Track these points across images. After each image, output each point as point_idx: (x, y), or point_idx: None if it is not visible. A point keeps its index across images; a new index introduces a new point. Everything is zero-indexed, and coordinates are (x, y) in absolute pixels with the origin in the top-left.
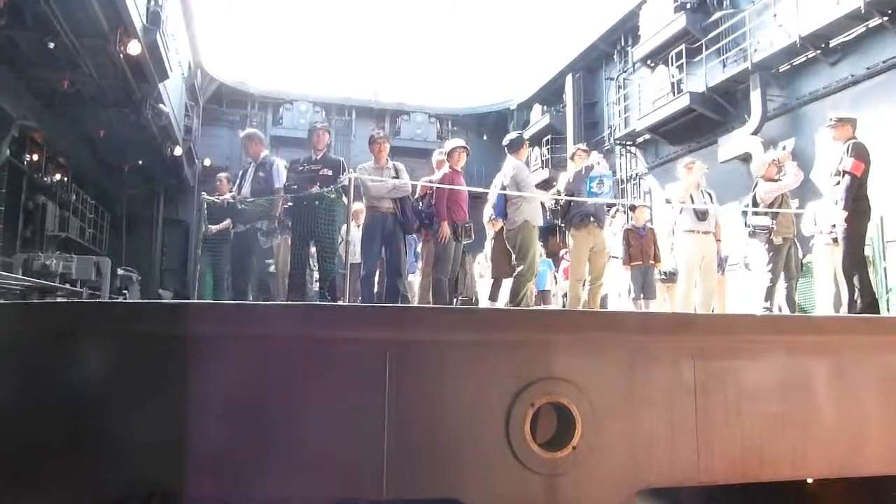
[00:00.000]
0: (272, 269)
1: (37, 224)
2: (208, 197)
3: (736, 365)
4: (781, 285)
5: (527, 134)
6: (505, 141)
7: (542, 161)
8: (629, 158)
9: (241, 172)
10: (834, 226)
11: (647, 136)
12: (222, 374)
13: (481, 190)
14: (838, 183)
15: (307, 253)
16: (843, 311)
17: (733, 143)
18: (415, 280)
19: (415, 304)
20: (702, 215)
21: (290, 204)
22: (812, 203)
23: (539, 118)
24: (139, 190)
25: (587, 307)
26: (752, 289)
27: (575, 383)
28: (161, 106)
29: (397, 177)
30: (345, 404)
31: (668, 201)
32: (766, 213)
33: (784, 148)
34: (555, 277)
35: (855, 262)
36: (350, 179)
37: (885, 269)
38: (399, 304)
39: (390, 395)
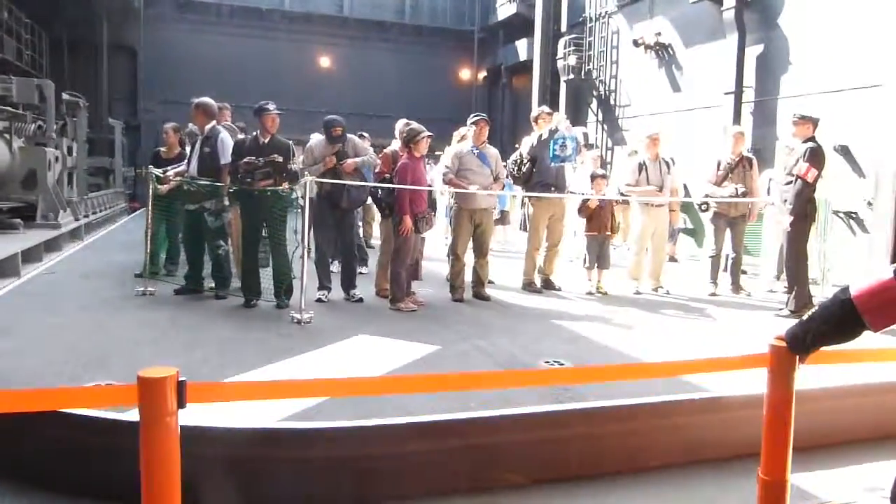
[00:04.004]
0: (221, 251)
1: None
2: (154, 170)
3: None
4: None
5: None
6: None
7: None
8: None
9: (190, 146)
10: (785, 200)
11: None
12: None
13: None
14: (789, 183)
15: (256, 249)
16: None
17: None
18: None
19: (372, 286)
20: (658, 189)
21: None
22: (767, 171)
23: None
24: (79, 10)
25: (543, 273)
26: None
27: None
28: None
29: (346, 151)
30: None
31: (634, 153)
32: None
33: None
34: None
35: (796, 259)
36: (307, 185)
37: (823, 253)
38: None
39: None
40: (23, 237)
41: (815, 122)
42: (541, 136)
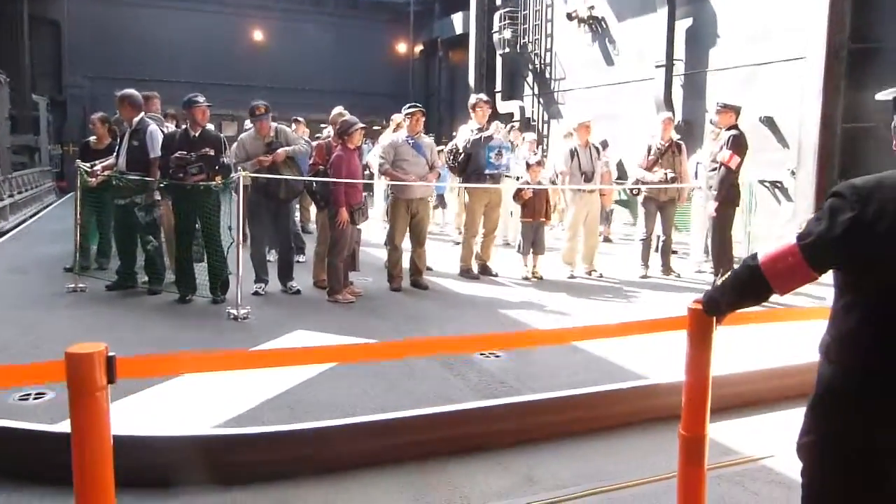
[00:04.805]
0: (150, 247)
1: None
2: (83, 165)
3: None
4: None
5: None
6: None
7: None
8: None
9: (119, 139)
10: (711, 187)
11: None
12: None
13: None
14: (714, 170)
15: (190, 244)
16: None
17: None
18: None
19: (309, 277)
20: (589, 175)
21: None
22: (695, 156)
23: None
24: None
25: (480, 259)
26: None
27: None
28: None
29: (279, 142)
30: None
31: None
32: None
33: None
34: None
35: (720, 242)
36: (240, 179)
37: (749, 233)
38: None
39: None
40: None
41: (737, 111)
42: (478, 139)
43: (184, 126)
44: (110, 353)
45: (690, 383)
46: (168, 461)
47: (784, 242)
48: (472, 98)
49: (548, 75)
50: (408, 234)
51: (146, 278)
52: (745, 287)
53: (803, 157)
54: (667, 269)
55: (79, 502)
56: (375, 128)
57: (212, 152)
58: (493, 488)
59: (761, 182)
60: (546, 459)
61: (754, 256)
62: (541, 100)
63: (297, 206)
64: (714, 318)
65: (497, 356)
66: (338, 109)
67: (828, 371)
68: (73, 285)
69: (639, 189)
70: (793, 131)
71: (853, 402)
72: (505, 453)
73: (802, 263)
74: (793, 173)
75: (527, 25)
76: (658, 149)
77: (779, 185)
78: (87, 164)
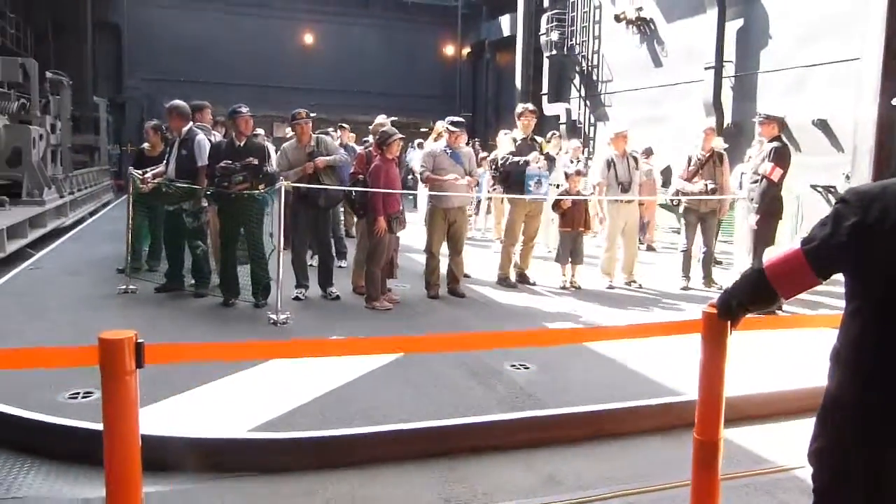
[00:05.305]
0: (199, 251)
1: None
2: (135, 173)
3: None
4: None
5: None
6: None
7: None
8: None
9: (168, 148)
10: (752, 199)
11: None
12: None
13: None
14: (756, 182)
15: (234, 249)
16: None
17: None
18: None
19: (349, 282)
20: (626, 186)
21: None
22: (739, 166)
23: None
24: None
25: (518, 267)
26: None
27: None
28: None
29: (320, 151)
30: None
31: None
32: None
33: None
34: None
35: (761, 255)
36: (281, 189)
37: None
38: None
39: None
40: (8, 214)
41: (780, 122)
42: (517, 159)
43: (231, 136)
44: (139, 340)
45: (704, 387)
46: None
47: (789, 247)
48: (519, 107)
49: (595, 77)
50: (446, 241)
51: (193, 281)
52: (752, 291)
53: (858, 161)
54: (708, 280)
55: (109, 479)
56: (423, 129)
57: (255, 161)
58: (516, 487)
59: (813, 187)
60: (569, 459)
61: (761, 261)
62: (587, 102)
63: (342, 209)
64: (728, 322)
65: (527, 367)
66: (380, 119)
67: (835, 377)
68: (124, 287)
69: (679, 200)
70: (847, 134)
71: (856, 408)
72: (528, 453)
73: (806, 268)
74: (847, 178)
75: (574, 27)
76: (699, 159)
77: (832, 189)
78: (139, 172)
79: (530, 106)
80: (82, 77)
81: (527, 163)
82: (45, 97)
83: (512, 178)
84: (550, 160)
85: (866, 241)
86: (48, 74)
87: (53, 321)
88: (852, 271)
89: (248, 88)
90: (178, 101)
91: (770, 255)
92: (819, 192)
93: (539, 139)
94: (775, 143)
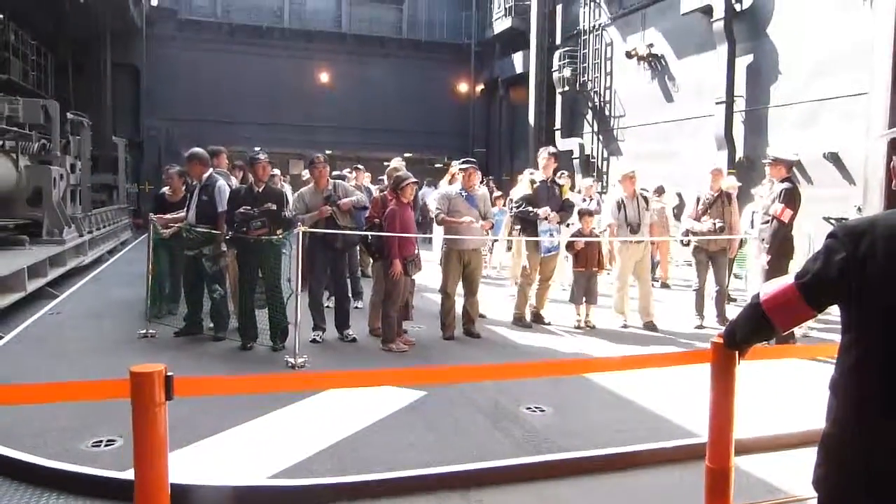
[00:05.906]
0: (216, 295)
1: None
2: (154, 217)
3: None
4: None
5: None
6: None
7: None
8: (592, 8)
9: (189, 193)
10: (763, 239)
11: None
12: None
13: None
14: (766, 223)
15: (252, 294)
16: None
17: None
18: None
19: (365, 323)
20: (635, 227)
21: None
22: (751, 204)
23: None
24: (83, 31)
25: (534, 307)
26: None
27: None
28: None
29: (336, 195)
30: None
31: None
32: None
33: None
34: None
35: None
36: (298, 234)
37: None
38: None
39: None
40: (28, 253)
41: (787, 164)
42: (528, 209)
43: (250, 180)
44: (168, 373)
45: (714, 415)
46: None
47: (784, 281)
48: (542, 152)
49: (607, 112)
50: (461, 282)
51: (212, 324)
52: (750, 324)
53: (869, 194)
54: (722, 318)
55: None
56: (437, 165)
57: (274, 207)
58: None
59: (826, 219)
60: (581, 484)
61: (758, 295)
62: (600, 137)
63: (358, 250)
64: (736, 352)
65: (542, 410)
66: (395, 163)
67: (833, 405)
68: (143, 331)
69: (689, 240)
70: (858, 167)
71: (854, 434)
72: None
73: (800, 301)
74: (859, 210)
75: (586, 64)
76: (707, 199)
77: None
78: (161, 216)
79: (551, 149)
80: (102, 117)
81: (536, 215)
82: (65, 137)
83: (528, 221)
84: (569, 208)
85: (856, 273)
86: (69, 115)
87: (77, 364)
88: (845, 303)
89: (264, 127)
90: (198, 149)
91: (766, 288)
92: (832, 224)
93: (560, 182)
94: (786, 185)
